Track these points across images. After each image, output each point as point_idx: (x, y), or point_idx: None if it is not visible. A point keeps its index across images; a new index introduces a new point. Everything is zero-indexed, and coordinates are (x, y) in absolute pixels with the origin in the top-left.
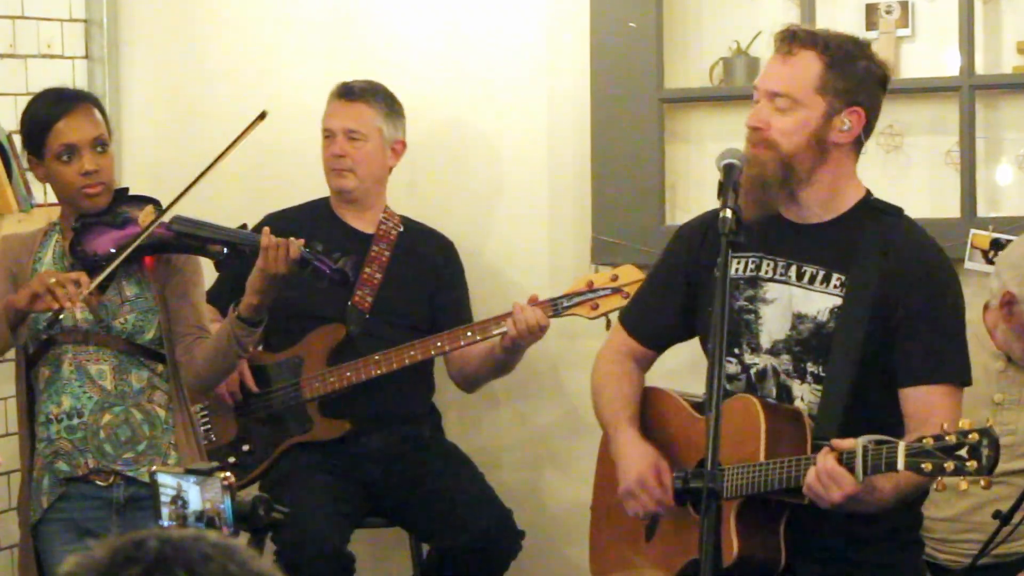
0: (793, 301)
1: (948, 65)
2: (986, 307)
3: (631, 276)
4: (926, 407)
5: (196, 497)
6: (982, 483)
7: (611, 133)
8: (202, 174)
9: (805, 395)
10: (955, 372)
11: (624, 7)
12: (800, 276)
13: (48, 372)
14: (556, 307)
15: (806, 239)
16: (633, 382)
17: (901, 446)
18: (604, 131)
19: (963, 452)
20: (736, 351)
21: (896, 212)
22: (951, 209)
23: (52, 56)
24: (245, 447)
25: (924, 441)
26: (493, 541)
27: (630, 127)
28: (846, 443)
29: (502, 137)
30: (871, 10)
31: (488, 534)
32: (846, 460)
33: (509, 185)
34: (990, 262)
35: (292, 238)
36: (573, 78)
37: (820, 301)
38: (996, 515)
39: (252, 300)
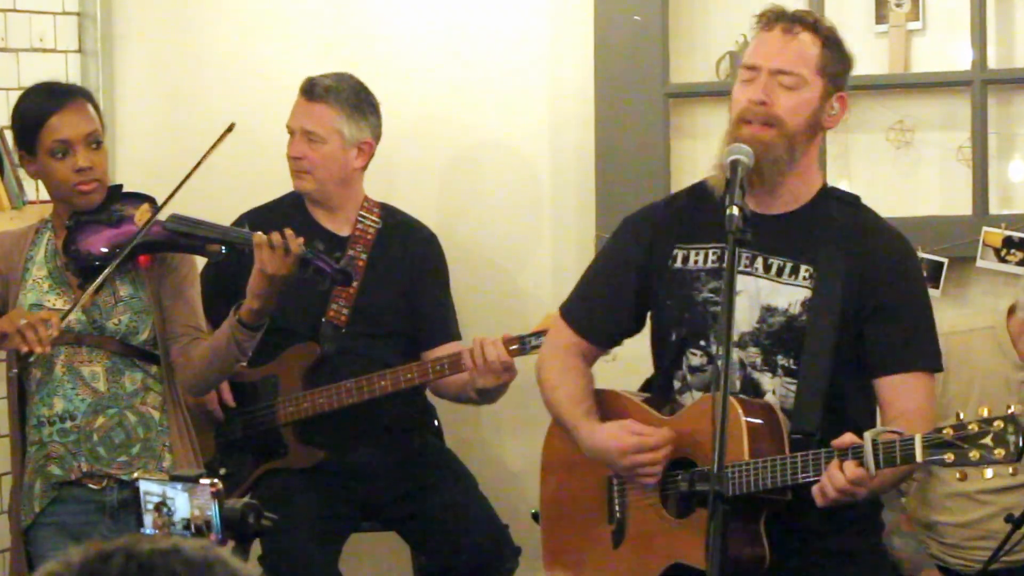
0: (761, 293)
1: (959, 59)
2: (1011, 312)
3: None
4: (904, 394)
5: (184, 504)
6: (1011, 470)
7: (615, 128)
8: (182, 182)
9: (777, 389)
10: (929, 359)
11: (629, 0)
12: (767, 268)
13: (40, 374)
14: (524, 345)
15: (770, 230)
16: (584, 377)
17: (918, 439)
18: (608, 127)
19: (987, 440)
20: (703, 343)
21: (855, 201)
22: (962, 206)
23: (45, 50)
24: (222, 470)
25: (944, 432)
26: (489, 558)
27: (635, 122)
28: (846, 439)
29: (504, 133)
30: (881, 3)
31: (484, 551)
32: (853, 455)
33: (511, 182)
34: (1003, 260)
35: (290, 232)
36: (577, 72)
37: (790, 294)
38: (1008, 519)
39: (253, 304)
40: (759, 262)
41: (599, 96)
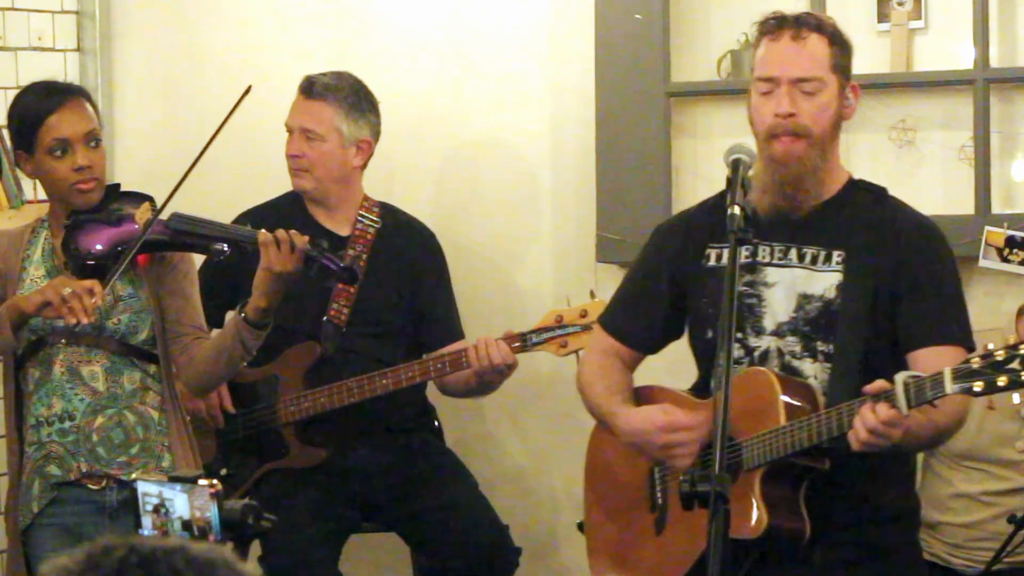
0: (796, 283)
1: (962, 58)
2: (1020, 314)
3: (600, 311)
4: (938, 366)
5: (184, 505)
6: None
7: (616, 128)
8: (199, 157)
9: (818, 374)
10: (962, 335)
11: None
12: (801, 258)
13: (38, 373)
14: (525, 342)
15: (801, 224)
16: (620, 372)
17: (947, 371)
18: (609, 126)
19: (1015, 364)
20: (739, 335)
21: (882, 191)
22: (965, 205)
23: (43, 49)
24: (223, 471)
25: (971, 361)
26: (489, 559)
27: (636, 122)
28: (876, 385)
29: (504, 132)
30: (883, 1)
31: (484, 552)
32: (885, 398)
33: (512, 181)
34: (1005, 260)
35: (295, 232)
36: (577, 71)
37: (825, 279)
38: (1011, 519)
39: (260, 302)
40: (792, 253)
41: (600, 95)
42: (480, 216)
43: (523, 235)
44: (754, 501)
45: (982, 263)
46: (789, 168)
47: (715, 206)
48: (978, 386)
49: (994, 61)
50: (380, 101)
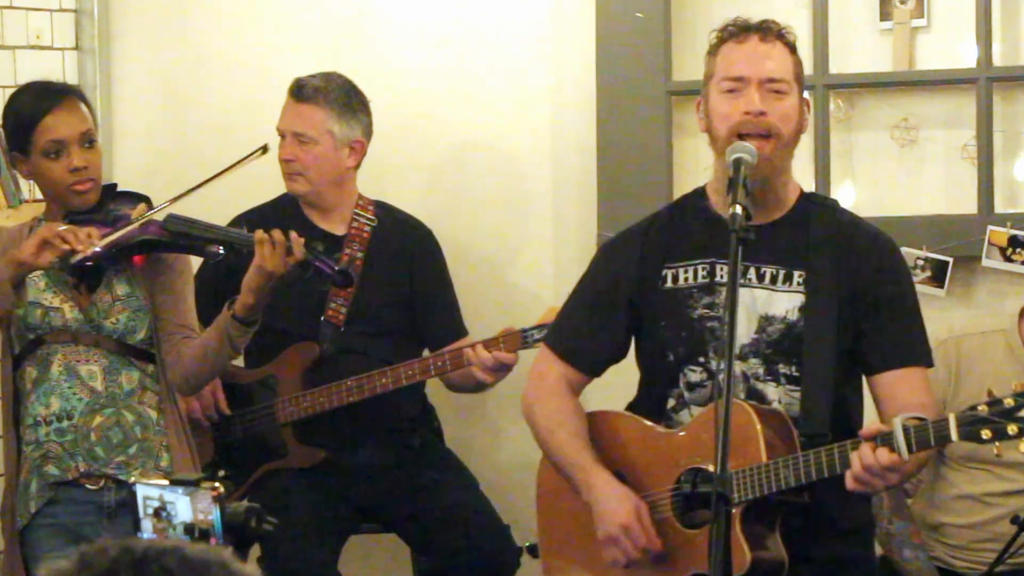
0: (757, 303)
1: (965, 56)
2: (1023, 315)
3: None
4: (905, 389)
5: (186, 508)
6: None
7: (617, 126)
8: (192, 189)
9: (781, 397)
10: (925, 354)
11: None
12: (760, 278)
13: (36, 373)
14: (526, 339)
15: (758, 241)
16: (581, 416)
17: (952, 418)
18: (610, 124)
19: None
20: (701, 359)
21: (834, 204)
22: (968, 205)
23: (41, 47)
24: (221, 472)
25: (979, 408)
26: (491, 558)
27: (637, 120)
28: (873, 428)
29: (504, 131)
30: (885, 0)
31: (485, 552)
32: (882, 443)
33: (512, 181)
34: (1008, 260)
35: (294, 234)
36: (578, 70)
37: (786, 301)
38: (1015, 521)
39: (248, 299)
40: (752, 272)
41: (601, 93)
42: (481, 214)
43: (524, 233)
44: (739, 537)
45: (985, 263)
46: (759, 169)
47: (667, 225)
48: (986, 434)
49: (997, 60)
50: (380, 100)
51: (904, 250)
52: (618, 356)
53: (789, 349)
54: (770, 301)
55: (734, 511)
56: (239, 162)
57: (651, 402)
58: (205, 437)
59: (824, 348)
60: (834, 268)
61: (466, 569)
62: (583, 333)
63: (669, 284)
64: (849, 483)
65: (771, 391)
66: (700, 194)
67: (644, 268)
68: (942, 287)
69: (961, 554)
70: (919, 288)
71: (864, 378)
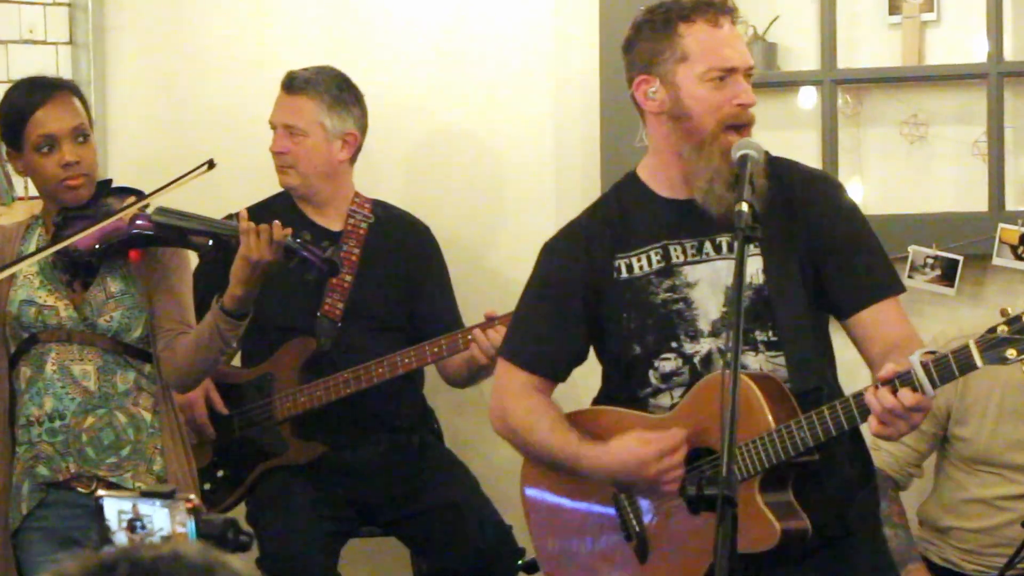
0: (719, 276)
1: (975, 51)
2: None
3: None
4: (885, 324)
5: (164, 520)
6: None
7: (622, 123)
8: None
9: (762, 365)
10: (894, 282)
11: None
12: (717, 248)
13: (30, 372)
14: None
15: (696, 212)
16: (554, 408)
17: (972, 343)
18: (614, 121)
19: None
20: (673, 345)
21: (766, 154)
22: (978, 202)
23: (34, 42)
24: (220, 473)
25: (999, 329)
26: (493, 560)
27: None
28: (889, 371)
29: (508, 129)
30: None
31: (487, 552)
32: (902, 383)
33: (515, 178)
34: (1019, 258)
35: (277, 222)
36: (582, 67)
37: (748, 266)
38: None
39: (236, 291)
40: (707, 246)
41: (604, 91)
42: (483, 211)
43: (527, 230)
44: (763, 510)
45: (996, 261)
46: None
47: (611, 215)
48: (1011, 354)
49: (1008, 54)
50: (381, 97)
51: (913, 248)
52: (581, 357)
53: (763, 313)
54: (731, 270)
55: (749, 484)
56: (183, 177)
57: (621, 395)
58: (203, 439)
59: (795, 303)
60: (782, 221)
61: (466, 570)
62: (542, 339)
63: (624, 274)
64: (874, 428)
65: (751, 361)
66: (633, 179)
67: (594, 262)
68: (952, 286)
69: (971, 558)
70: (929, 288)
71: (840, 324)
